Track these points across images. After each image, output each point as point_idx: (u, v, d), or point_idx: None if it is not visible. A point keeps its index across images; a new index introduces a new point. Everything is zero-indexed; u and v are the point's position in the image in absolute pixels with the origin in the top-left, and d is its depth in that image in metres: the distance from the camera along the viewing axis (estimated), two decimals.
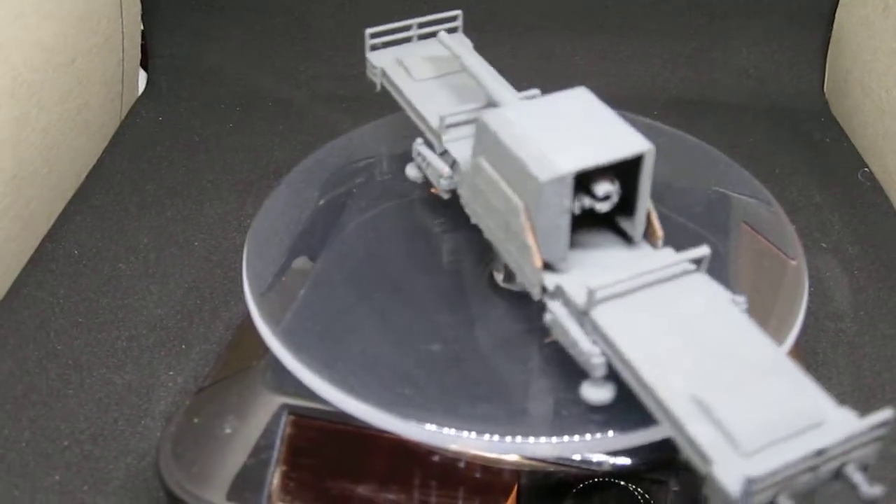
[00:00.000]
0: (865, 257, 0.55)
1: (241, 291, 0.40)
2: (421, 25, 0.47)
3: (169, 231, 0.59)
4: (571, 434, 0.32)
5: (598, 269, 0.34)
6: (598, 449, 0.33)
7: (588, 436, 0.32)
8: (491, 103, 0.40)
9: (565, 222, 0.33)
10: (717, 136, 0.69)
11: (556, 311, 0.33)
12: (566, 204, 0.33)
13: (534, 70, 0.73)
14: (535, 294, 0.34)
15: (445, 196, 0.41)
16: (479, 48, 0.75)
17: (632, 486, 0.35)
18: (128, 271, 0.56)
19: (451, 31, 0.47)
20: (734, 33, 0.73)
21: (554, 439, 0.32)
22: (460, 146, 0.40)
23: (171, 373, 0.49)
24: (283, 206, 0.45)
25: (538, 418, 0.34)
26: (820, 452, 0.26)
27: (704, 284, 0.33)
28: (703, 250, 0.33)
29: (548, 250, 0.33)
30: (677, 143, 0.50)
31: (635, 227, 0.35)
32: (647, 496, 0.34)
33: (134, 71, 0.72)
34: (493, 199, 0.35)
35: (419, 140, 0.43)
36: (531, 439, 0.32)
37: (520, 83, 0.76)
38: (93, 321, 0.52)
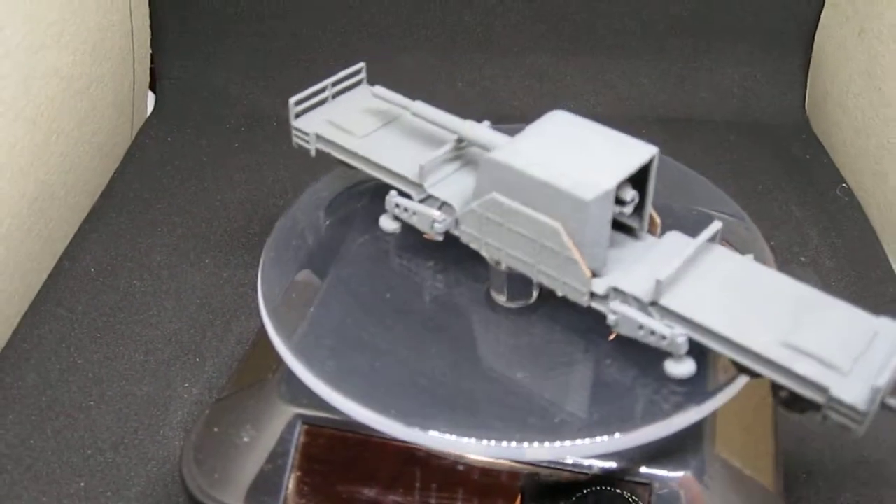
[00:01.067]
0: (842, 270, 0.59)
1: (253, 306, 0.43)
2: (334, 84, 0.48)
3: (180, 249, 0.62)
4: (571, 439, 0.35)
5: (632, 264, 0.38)
6: (595, 452, 0.36)
7: (588, 440, 0.35)
8: (464, 140, 0.43)
9: (607, 232, 0.37)
10: (703, 153, 0.72)
11: (621, 309, 0.36)
12: (608, 216, 0.36)
13: (526, 90, 0.77)
14: (584, 302, 0.37)
15: (440, 238, 0.42)
16: (472, 70, 0.78)
17: (626, 494, 0.37)
18: (142, 287, 0.59)
19: (357, 83, 0.49)
20: (719, 54, 0.76)
21: (547, 444, 0.35)
22: (444, 188, 0.42)
23: (186, 385, 0.52)
24: (295, 225, 0.47)
25: (537, 425, 0.36)
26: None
27: (726, 253, 0.38)
28: (717, 225, 0.38)
29: (592, 259, 0.37)
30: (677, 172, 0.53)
31: (643, 220, 0.39)
32: (634, 498, 0.37)
33: (143, 93, 0.75)
34: (517, 227, 0.38)
35: (393, 192, 0.43)
36: (527, 444, 0.35)
37: (512, 103, 0.80)
38: (111, 336, 0.55)
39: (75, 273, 0.60)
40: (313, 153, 0.47)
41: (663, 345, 0.36)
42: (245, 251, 0.61)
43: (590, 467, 0.37)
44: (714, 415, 0.38)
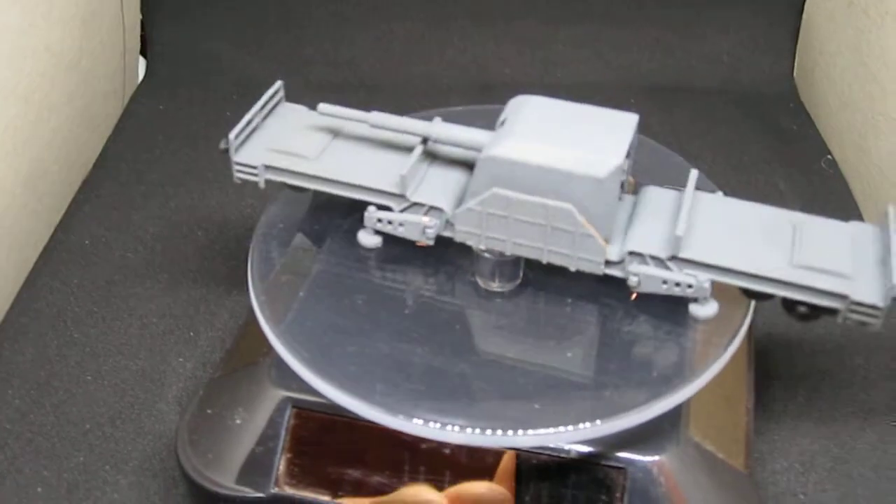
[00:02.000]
0: None
1: (246, 280, 0.44)
2: (262, 108, 0.46)
3: (173, 221, 0.62)
4: (554, 426, 0.36)
5: (631, 224, 0.41)
6: (576, 439, 0.38)
7: (570, 427, 0.36)
8: (427, 141, 0.43)
9: (616, 202, 0.39)
10: (691, 123, 0.73)
11: (641, 270, 0.39)
12: (618, 188, 0.39)
13: (516, 58, 0.77)
14: (600, 271, 0.40)
15: (431, 243, 0.42)
16: (462, 39, 0.78)
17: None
18: (136, 260, 0.60)
19: (279, 102, 0.47)
20: (708, 22, 0.77)
21: (531, 432, 0.36)
22: (425, 193, 0.42)
23: (180, 359, 0.53)
24: (285, 209, 0.48)
25: (519, 413, 0.38)
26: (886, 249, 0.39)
27: (705, 196, 0.42)
28: (695, 173, 0.42)
29: (603, 230, 0.39)
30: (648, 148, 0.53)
31: (625, 183, 0.41)
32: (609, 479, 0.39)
33: (134, 61, 0.75)
34: (524, 217, 0.39)
35: (372, 208, 0.42)
36: (510, 432, 0.36)
37: (503, 70, 0.80)
38: (106, 310, 0.56)
39: (70, 245, 0.61)
40: (262, 185, 0.44)
41: (689, 293, 0.39)
42: (237, 224, 0.62)
43: (567, 451, 0.38)
44: (688, 399, 0.39)
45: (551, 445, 0.38)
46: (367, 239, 0.44)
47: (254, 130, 0.45)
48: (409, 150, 0.43)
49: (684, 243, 0.39)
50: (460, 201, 0.41)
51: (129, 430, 0.49)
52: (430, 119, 0.43)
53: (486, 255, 0.42)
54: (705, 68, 0.76)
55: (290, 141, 0.44)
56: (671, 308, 0.41)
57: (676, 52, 0.77)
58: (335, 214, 0.46)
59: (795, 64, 0.76)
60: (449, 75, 0.77)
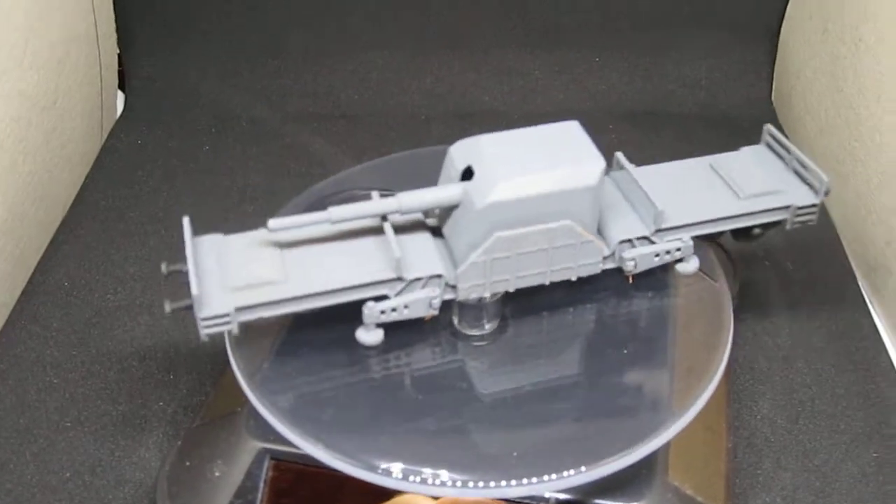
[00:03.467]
0: (801, 271, 0.60)
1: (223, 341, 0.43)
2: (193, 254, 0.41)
3: (153, 261, 0.62)
4: (538, 476, 0.36)
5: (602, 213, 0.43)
6: (562, 487, 0.37)
7: (554, 475, 0.36)
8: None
9: (600, 202, 0.41)
10: (670, 148, 0.73)
11: (635, 252, 0.43)
12: (602, 188, 0.41)
13: (494, 86, 0.77)
14: (599, 269, 0.42)
15: (436, 313, 0.41)
16: (441, 68, 0.78)
17: None
18: (115, 302, 0.59)
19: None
20: (686, 47, 0.77)
21: (514, 482, 0.36)
22: (416, 266, 0.40)
23: (161, 403, 0.53)
24: None
25: (500, 463, 0.37)
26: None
27: (639, 170, 0.45)
28: (621, 154, 0.46)
29: (593, 231, 0.41)
30: None
31: None
32: None
33: (112, 97, 0.75)
34: (527, 248, 0.40)
35: (370, 304, 0.40)
36: (493, 483, 0.36)
37: (482, 99, 0.80)
38: (86, 354, 0.56)
39: (49, 287, 0.60)
40: (236, 331, 0.39)
41: (678, 255, 0.44)
42: None
43: (547, 500, 0.38)
44: (667, 442, 0.39)
45: (533, 495, 0.38)
46: (370, 336, 0.41)
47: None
48: (369, 231, 0.41)
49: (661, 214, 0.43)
50: (450, 261, 0.41)
51: (110, 478, 0.49)
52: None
53: (469, 300, 0.42)
54: (684, 93, 0.77)
55: (244, 272, 0.40)
56: (649, 348, 0.41)
57: (654, 77, 0.77)
58: None
59: (773, 88, 0.76)
60: (428, 105, 0.77)
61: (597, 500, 0.38)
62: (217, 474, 0.41)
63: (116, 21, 0.75)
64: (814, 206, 0.46)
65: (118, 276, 0.61)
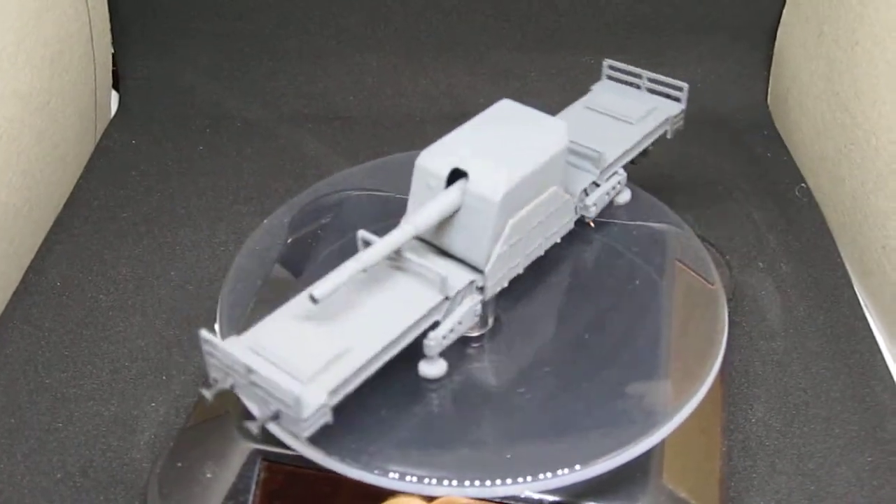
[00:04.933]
0: (797, 275, 0.60)
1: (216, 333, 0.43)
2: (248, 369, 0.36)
3: (146, 261, 0.62)
4: (532, 475, 0.36)
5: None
6: (554, 486, 0.37)
7: (549, 474, 0.36)
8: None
9: None
10: (665, 152, 0.73)
11: (593, 197, 0.48)
12: None
13: (490, 88, 0.77)
14: (572, 224, 0.46)
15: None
16: (436, 69, 0.78)
17: None
18: (108, 302, 0.59)
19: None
20: (682, 50, 0.77)
21: (509, 481, 0.36)
22: (452, 279, 0.39)
23: (153, 404, 0.52)
24: (255, 257, 0.48)
25: (493, 463, 0.37)
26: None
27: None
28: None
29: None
30: None
31: None
32: None
33: (106, 96, 0.75)
34: (535, 221, 0.42)
35: (430, 335, 0.39)
36: (488, 482, 0.36)
37: (477, 101, 0.80)
38: (77, 353, 0.55)
39: (41, 287, 0.60)
40: (331, 419, 0.36)
41: (619, 188, 0.50)
42: (210, 263, 0.62)
43: (540, 502, 0.38)
44: (661, 444, 0.39)
45: (527, 495, 0.38)
46: (435, 368, 0.40)
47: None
48: (391, 265, 0.40)
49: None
50: (463, 266, 0.41)
51: (102, 479, 0.48)
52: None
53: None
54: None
55: (308, 355, 0.36)
56: (644, 349, 0.41)
57: None
58: (307, 262, 0.46)
59: (769, 91, 0.76)
60: (422, 106, 0.76)
61: (591, 503, 0.38)
62: (209, 475, 0.41)
63: (111, 20, 0.75)
64: (682, 111, 0.54)
65: (111, 276, 0.61)
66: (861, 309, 0.58)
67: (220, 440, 0.41)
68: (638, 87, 0.55)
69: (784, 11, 0.73)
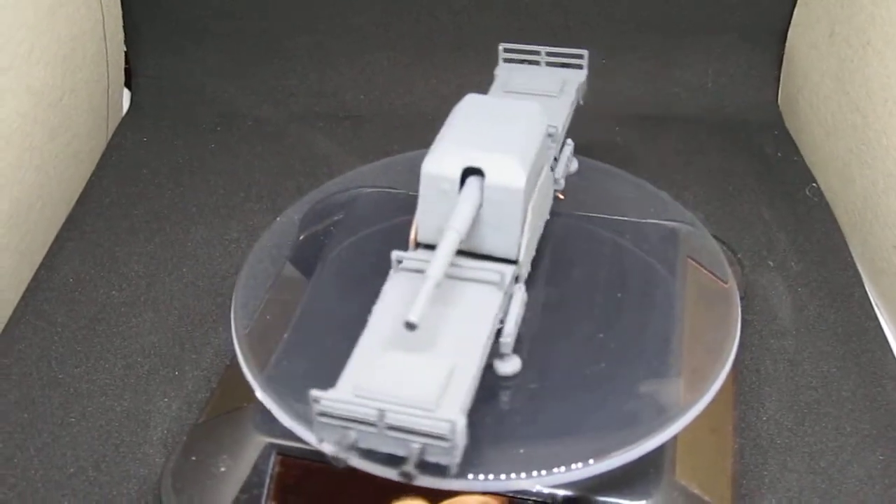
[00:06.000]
0: (808, 274, 0.60)
1: (229, 329, 0.43)
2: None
3: (158, 257, 0.62)
4: (547, 469, 0.36)
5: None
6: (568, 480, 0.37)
7: (563, 468, 0.36)
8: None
9: None
10: (675, 151, 0.73)
11: (558, 170, 0.49)
12: None
13: None
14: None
15: None
16: (446, 68, 0.78)
17: None
18: (120, 298, 0.59)
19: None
20: (692, 50, 0.77)
21: (524, 475, 0.36)
22: (496, 272, 0.39)
23: (165, 399, 0.53)
24: (269, 250, 0.48)
25: (507, 457, 0.37)
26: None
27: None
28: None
29: None
30: (610, 178, 0.54)
31: None
32: None
33: (118, 94, 0.75)
34: (538, 203, 0.42)
35: (503, 332, 0.39)
36: (503, 476, 0.36)
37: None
38: (90, 349, 0.56)
39: (54, 283, 0.60)
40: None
41: (571, 154, 0.52)
42: (223, 259, 0.62)
43: (552, 496, 0.38)
44: (674, 440, 0.39)
45: (540, 489, 0.38)
46: (510, 365, 0.40)
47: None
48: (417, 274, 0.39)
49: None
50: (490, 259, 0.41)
51: (114, 473, 0.49)
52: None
53: None
54: (689, 96, 0.77)
55: (419, 386, 0.34)
56: (654, 345, 0.41)
57: (660, 81, 0.77)
58: (322, 257, 0.46)
59: (780, 91, 0.76)
60: (433, 105, 0.77)
61: (605, 498, 0.38)
62: (223, 469, 0.41)
63: (124, 18, 0.75)
64: (586, 77, 0.56)
65: (123, 272, 0.61)
66: (872, 308, 0.58)
67: (235, 434, 0.42)
68: (538, 63, 0.57)
69: (795, 11, 0.73)
